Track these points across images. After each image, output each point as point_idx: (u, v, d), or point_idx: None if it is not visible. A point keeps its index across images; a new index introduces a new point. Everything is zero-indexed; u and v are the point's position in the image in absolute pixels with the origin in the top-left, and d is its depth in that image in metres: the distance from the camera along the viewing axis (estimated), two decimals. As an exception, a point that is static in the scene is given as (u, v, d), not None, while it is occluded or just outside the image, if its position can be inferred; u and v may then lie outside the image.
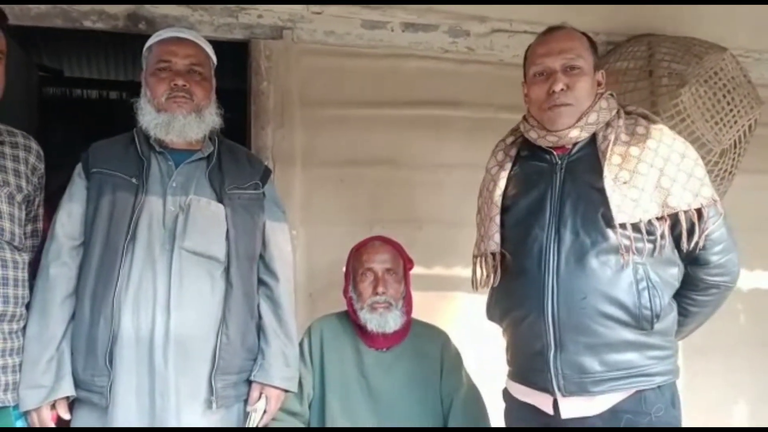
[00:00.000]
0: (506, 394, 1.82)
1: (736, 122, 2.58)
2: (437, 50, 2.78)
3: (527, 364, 1.69)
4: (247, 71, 2.68)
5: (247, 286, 1.86)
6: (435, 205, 2.73)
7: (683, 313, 1.71)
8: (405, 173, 2.72)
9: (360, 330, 2.08)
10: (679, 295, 1.69)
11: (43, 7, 2.38)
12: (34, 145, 1.85)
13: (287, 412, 1.98)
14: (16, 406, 1.70)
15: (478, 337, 2.62)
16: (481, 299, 2.70)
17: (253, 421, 1.83)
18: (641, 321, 1.58)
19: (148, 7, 2.45)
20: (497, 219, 1.74)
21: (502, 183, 1.76)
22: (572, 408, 1.62)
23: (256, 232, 1.90)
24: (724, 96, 2.57)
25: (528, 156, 1.77)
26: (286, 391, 1.90)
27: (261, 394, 1.85)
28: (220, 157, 1.91)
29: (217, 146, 1.92)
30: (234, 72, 2.66)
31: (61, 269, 1.77)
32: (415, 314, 2.17)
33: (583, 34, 1.75)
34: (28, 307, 1.76)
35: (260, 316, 1.90)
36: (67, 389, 1.72)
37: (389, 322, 2.03)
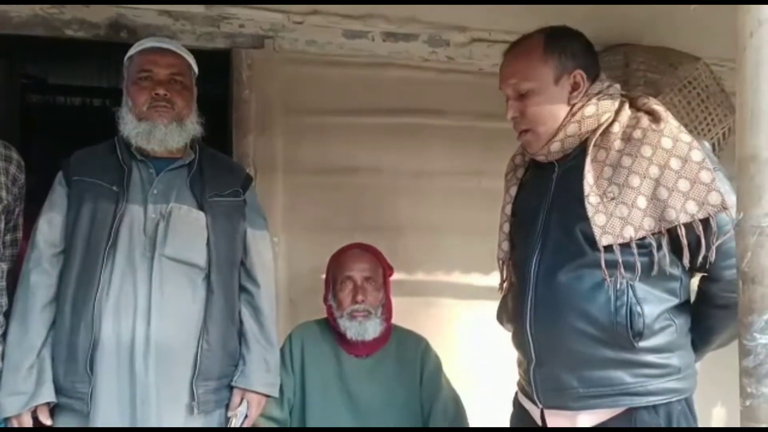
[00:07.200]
0: (515, 399, 1.75)
1: (710, 130, 2.64)
2: (417, 59, 2.80)
3: (520, 373, 1.67)
4: (228, 79, 2.70)
5: (228, 292, 1.87)
6: (416, 213, 2.75)
7: (701, 331, 1.54)
8: (386, 181, 2.74)
9: (340, 337, 2.10)
10: (696, 311, 1.54)
11: (24, 15, 2.37)
12: (15, 155, 1.86)
13: (268, 418, 2.00)
14: (-5, 414, 1.71)
15: (459, 343, 2.66)
16: (461, 305, 2.76)
17: (234, 426, 1.84)
18: (619, 339, 1.45)
19: (129, 16, 2.46)
20: (505, 227, 1.72)
21: (513, 190, 1.72)
22: (557, 422, 1.57)
23: (236, 238, 1.91)
24: (699, 105, 2.63)
25: (536, 162, 1.67)
26: (267, 396, 1.91)
27: (242, 399, 1.86)
28: (201, 165, 1.92)
29: (198, 154, 1.93)
30: (216, 80, 2.67)
31: (41, 276, 1.78)
32: (396, 320, 2.19)
33: (547, 33, 1.58)
34: (6, 315, 1.77)
35: (241, 323, 1.91)
36: (48, 395, 1.72)
37: (368, 330, 2.05)
